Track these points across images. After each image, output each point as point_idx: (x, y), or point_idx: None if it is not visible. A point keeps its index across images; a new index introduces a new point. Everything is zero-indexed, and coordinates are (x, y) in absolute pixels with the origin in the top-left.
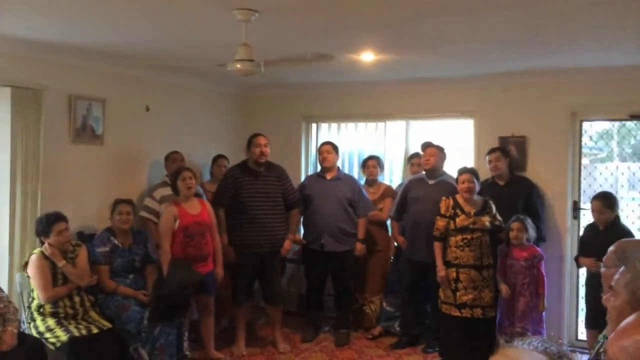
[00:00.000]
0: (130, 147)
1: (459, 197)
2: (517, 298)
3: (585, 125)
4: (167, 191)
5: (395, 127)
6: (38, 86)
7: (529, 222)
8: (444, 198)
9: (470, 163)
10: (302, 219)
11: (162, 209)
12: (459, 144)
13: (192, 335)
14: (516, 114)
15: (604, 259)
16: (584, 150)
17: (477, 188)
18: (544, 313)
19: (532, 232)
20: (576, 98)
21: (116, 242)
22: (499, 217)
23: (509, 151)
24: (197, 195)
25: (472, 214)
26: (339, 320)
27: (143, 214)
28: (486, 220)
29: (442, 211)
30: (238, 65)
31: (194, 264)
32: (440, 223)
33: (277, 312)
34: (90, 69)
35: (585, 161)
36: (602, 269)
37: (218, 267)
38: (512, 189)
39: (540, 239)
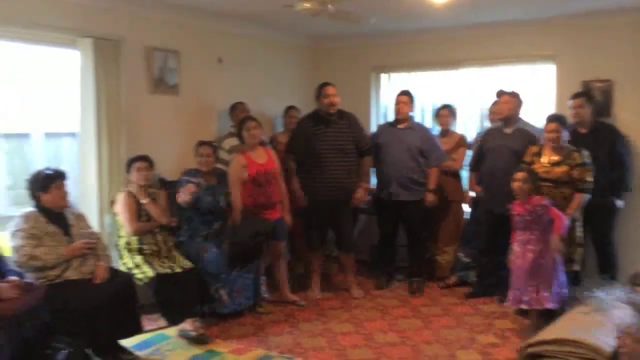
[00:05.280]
0: (203, 98)
1: (546, 144)
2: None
3: None
4: (234, 141)
5: (469, 75)
6: (117, 38)
7: (535, 175)
8: (531, 145)
9: (550, 111)
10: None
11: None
12: (538, 91)
13: (269, 280)
14: (601, 57)
15: None
16: None
17: (565, 137)
18: (562, 271)
19: (538, 184)
20: None
21: (202, 179)
22: (587, 175)
23: (593, 97)
24: (262, 144)
25: (549, 163)
26: (411, 269)
27: (217, 165)
28: (561, 171)
29: (525, 157)
30: (306, 4)
31: (263, 211)
32: None
33: (349, 259)
34: (165, 21)
35: None
36: None
37: (286, 214)
38: (595, 137)
39: (625, 188)
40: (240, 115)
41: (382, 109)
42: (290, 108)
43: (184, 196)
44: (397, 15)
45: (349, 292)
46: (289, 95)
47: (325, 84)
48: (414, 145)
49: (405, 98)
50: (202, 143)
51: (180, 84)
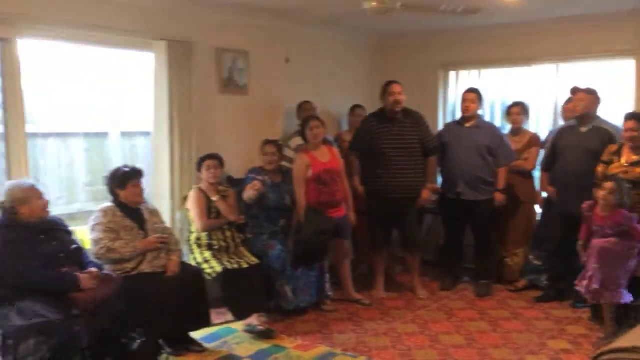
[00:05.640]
0: (270, 97)
1: (625, 144)
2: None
3: None
4: (300, 140)
5: (543, 72)
6: (189, 40)
7: (626, 187)
8: (609, 144)
9: (630, 109)
10: (439, 168)
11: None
12: (617, 88)
13: (333, 278)
14: None
15: None
16: None
17: None
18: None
19: (626, 199)
20: None
21: (267, 177)
22: None
23: None
24: (326, 142)
25: (628, 163)
26: (478, 271)
27: (283, 163)
28: None
29: (603, 157)
30: (373, 3)
31: (327, 209)
32: (599, 169)
33: (415, 259)
34: (235, 23)
35: None
36: None
37: (350, 212)
38: None
39: None
40: (305, 115)
41: (450, 107)
42: (355, 107)
43: (249, 193)
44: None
45: (414, 292)
46: (355, 94)
47: (391, 82)
48: (482, 144)
49: (473, 95)
50: (267, 142)
51: (249, 84)
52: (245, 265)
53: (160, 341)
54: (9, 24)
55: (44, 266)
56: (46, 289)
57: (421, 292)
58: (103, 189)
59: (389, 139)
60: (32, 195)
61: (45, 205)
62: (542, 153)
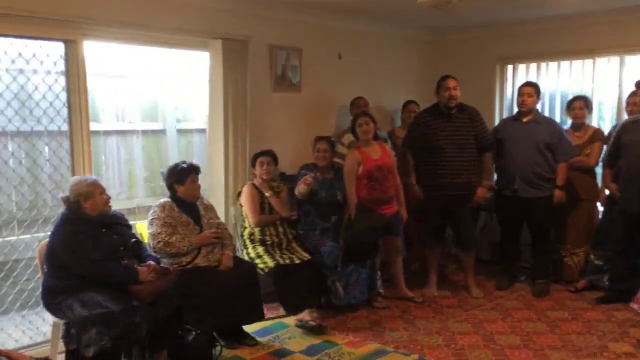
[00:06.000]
0: (323, 94)
1: None
2: None
3: None
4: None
5: (606, 64)
6: (244, 38)
7: None
8: None
9: None
10: (495, 165)
11: None
12: None
13: (385, 275)
14: None
15: None
16: None
17: None
18: None
19: None
20: None
21: (319, 174)
22: None
23: None
24: (377, 138)
25: None
26: (536, 270)
27: (335, 160)
28: None
29: None
30: None
31: (379, 206)
32: None
33: (469, 258)
34: (288, 20)
35: None
36: None
37: (402, 209)
38: None
39: None
40: (358, 112)
41: (507, 103)
42: (409, 103)
43: (300, 187)
44: (525, 4)
45: (468, 291)
46: (408, 90)
47: (446, 77)
48: (541, 140)
49: (530, 90)
50: (320, 138)
51: (302, 81)
52: (297, 261)
53: (215, 334)
54: (75, 26)
55: (105, 259)
56: (109, 281)
57: (476, 291)
58: (160, 184)
59: (443, 135)
60: (95, 190)
61: (107, 200)
62: (605, 149)
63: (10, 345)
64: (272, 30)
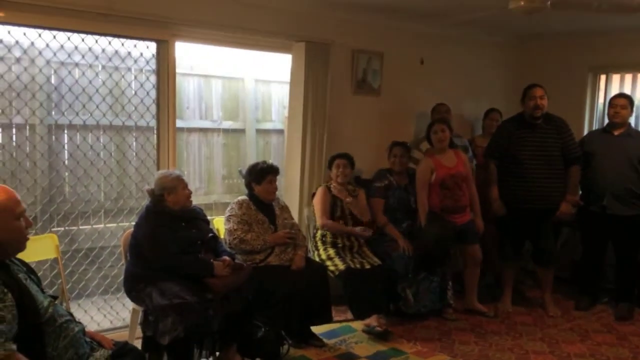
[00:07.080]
0: (403, 99)
1: None
2: None
3: None
4: None
5: None
6: (327, 41)
7: None
8: None
9: None
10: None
11: None
12: None
13: (457, 286)
14: None
15: None
16: None
17: None
18: None
19: None
20: None
21: (392, 179)
22: None
23: None
24: (454, 146)
25: None
26: (620, 292)
27: (411, 165)
28: None
29: None
30: (522, 2)
31: (451, 214)
32: None
33: (547, 274)
34: (370, 24)
35: None
36: None
37: (477, 218)
38: None
39: None
40: (438, 116)
41: (598, 114)
42: (491, 111)
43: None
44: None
45: (545, 309)
46: (491, 98)
47: (532, 85)
48: (634, 154)
49: (624, 101)
50: (395, 144)
51: (382, 85)
52: (367, 266)
53: (283, 332)
54: (167, 26)
55: (182, 252)
56: (187, 273)
57: (553, 310)
58: (238, 182)
59: (527, 145)
60: (178, 184)
61: (189, 195)
62: None
63: (91, 328)
64: (354, 33)
